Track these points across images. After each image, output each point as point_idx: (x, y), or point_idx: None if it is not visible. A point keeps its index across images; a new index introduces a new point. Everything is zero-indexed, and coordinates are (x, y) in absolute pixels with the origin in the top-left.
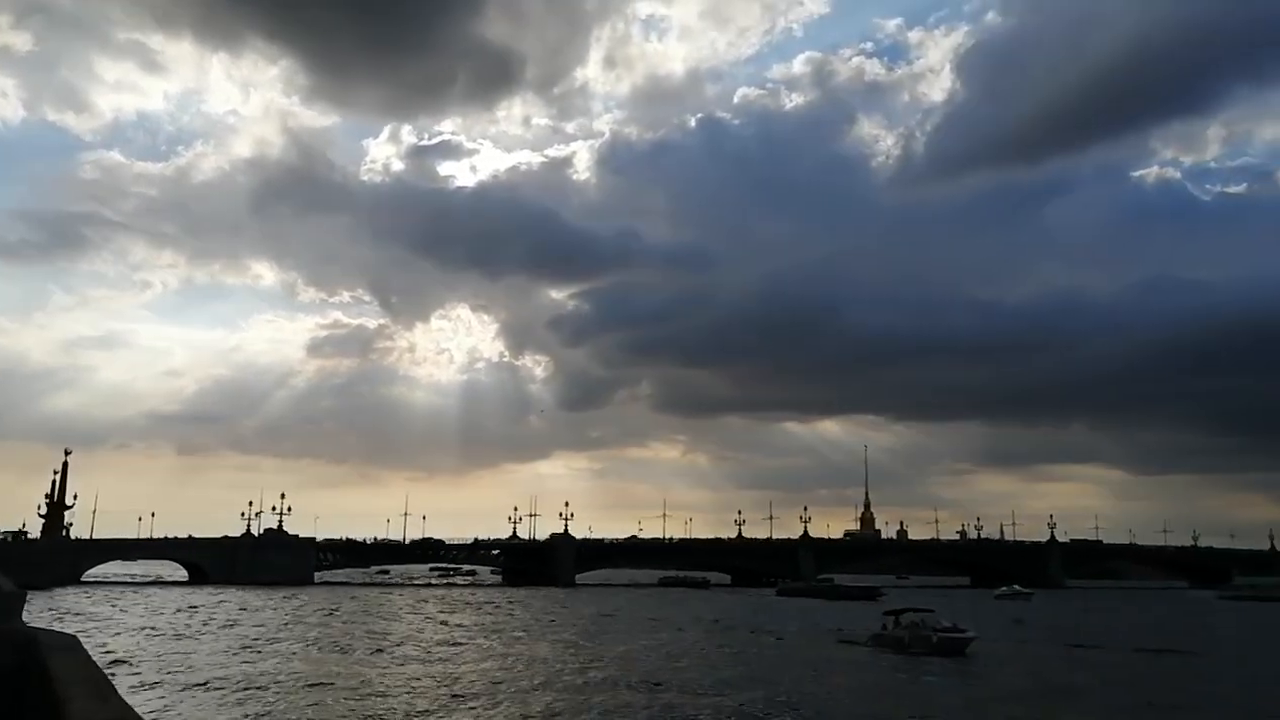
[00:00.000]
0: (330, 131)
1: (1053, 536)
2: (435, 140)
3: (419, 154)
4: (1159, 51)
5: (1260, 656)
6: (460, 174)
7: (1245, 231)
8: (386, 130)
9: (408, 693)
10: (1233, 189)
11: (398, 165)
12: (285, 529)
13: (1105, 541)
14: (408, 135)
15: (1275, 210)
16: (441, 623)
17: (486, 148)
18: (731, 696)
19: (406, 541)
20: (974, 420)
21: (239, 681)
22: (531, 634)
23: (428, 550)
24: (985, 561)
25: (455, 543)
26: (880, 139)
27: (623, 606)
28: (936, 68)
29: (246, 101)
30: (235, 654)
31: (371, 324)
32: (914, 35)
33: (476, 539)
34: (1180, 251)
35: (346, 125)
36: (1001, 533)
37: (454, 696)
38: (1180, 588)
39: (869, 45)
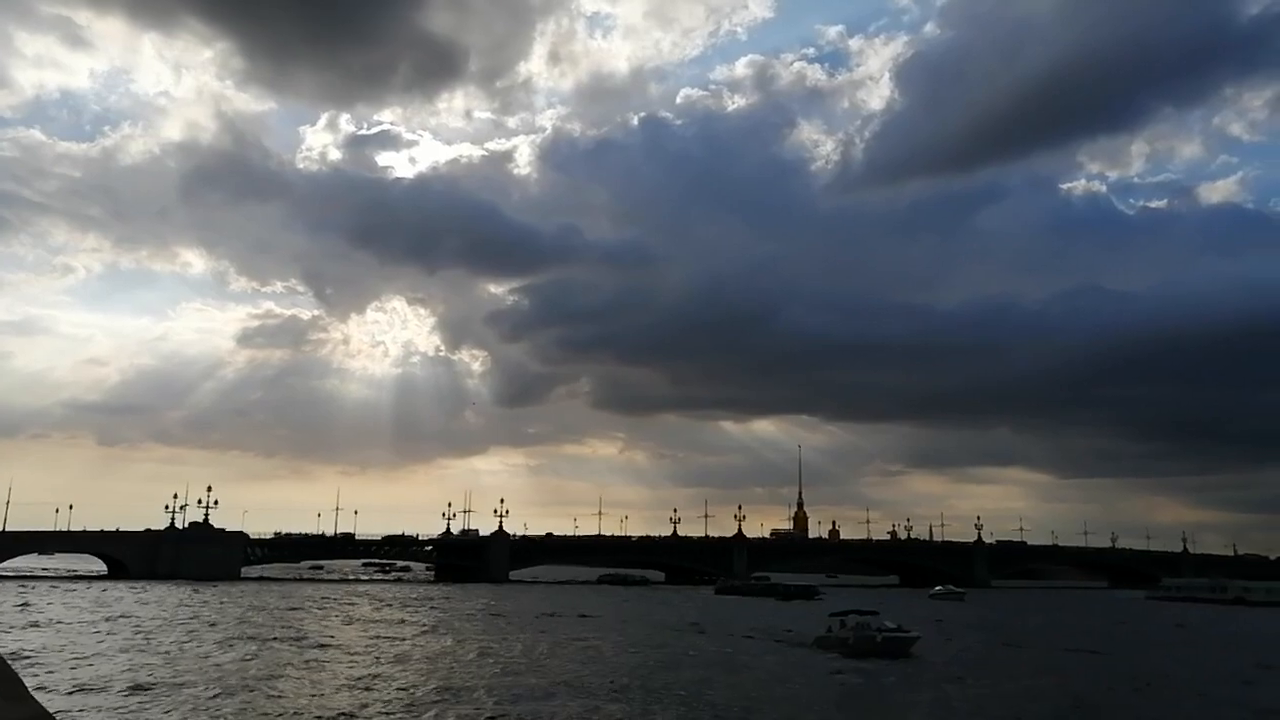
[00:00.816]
0: (266, 118)
1: (979, 538)
2: (374, 130)
3: (357, 143)
4: (1087, 69)
5: (1209, 657)
6: (399, 165)
7: (1165, 245)
8: (324, 118)
9: (313, 694)
10: (1154, 204)
11: (335, 154)
12: (211, 523)
13: (1029, 543)
14: (346, 124)
15: (1194, 225)
16: (360, 620)
17: (426, 139)
18: (691, 705)
19: (338, 536)
20: (906, 422)
21: (139, 681)
22: (454, 633)
23: (360, 546)
24: (914, 561)
25: (387, 538)
26: (820, 144)
27: (563, 604)
28: (876, 75)
29: (178, 83)
30: (139, 651)
31: (305, 315)
32: (855, 43)
33: (404, 534)
34: (1105, 262)
35: (283, 112)
36: (930, 533)
37: (353, 695)
38: (1100, 588)
39: (811, 51)
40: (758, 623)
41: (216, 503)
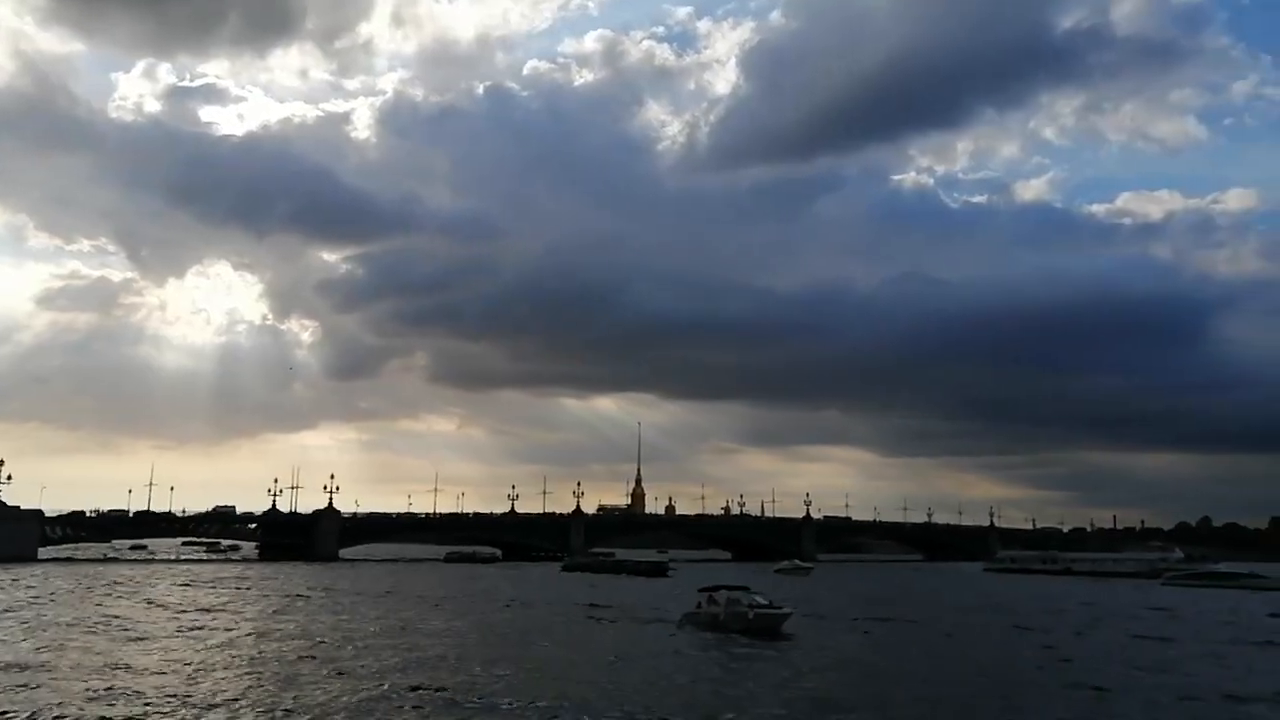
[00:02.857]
0: (72, 60)
1: (808, 514)
2: (198, 83)
3: (178, 95)
4: (919, 69)
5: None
6: (226, 121)
7: (984, 238)
8: (141, 66)
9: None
10: (975, 198)
11: (153, 105)
12: (3, 499)
13: (854, 518)
14: (166, 74)
15: (1009, 220)
16: (154, 602)
17: (257, 96)
18: (570, 687)
19: (151, 514)
20: (742, 401)
21: None
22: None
23: (176, 523)
24: (747, 536)
25: (206, 515)
26: (667, 124)
27: (399, 583)
28: (723, 59)
29: None
30: None
31: (116, 277)
32: (703, 25)
33: (217, 508)
34: (930, 252)
35: (92, 56)
36: (762, 509)
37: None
38: (916, 560)
39: (660, 30)
40: (614, 600)
41: (10, 477)
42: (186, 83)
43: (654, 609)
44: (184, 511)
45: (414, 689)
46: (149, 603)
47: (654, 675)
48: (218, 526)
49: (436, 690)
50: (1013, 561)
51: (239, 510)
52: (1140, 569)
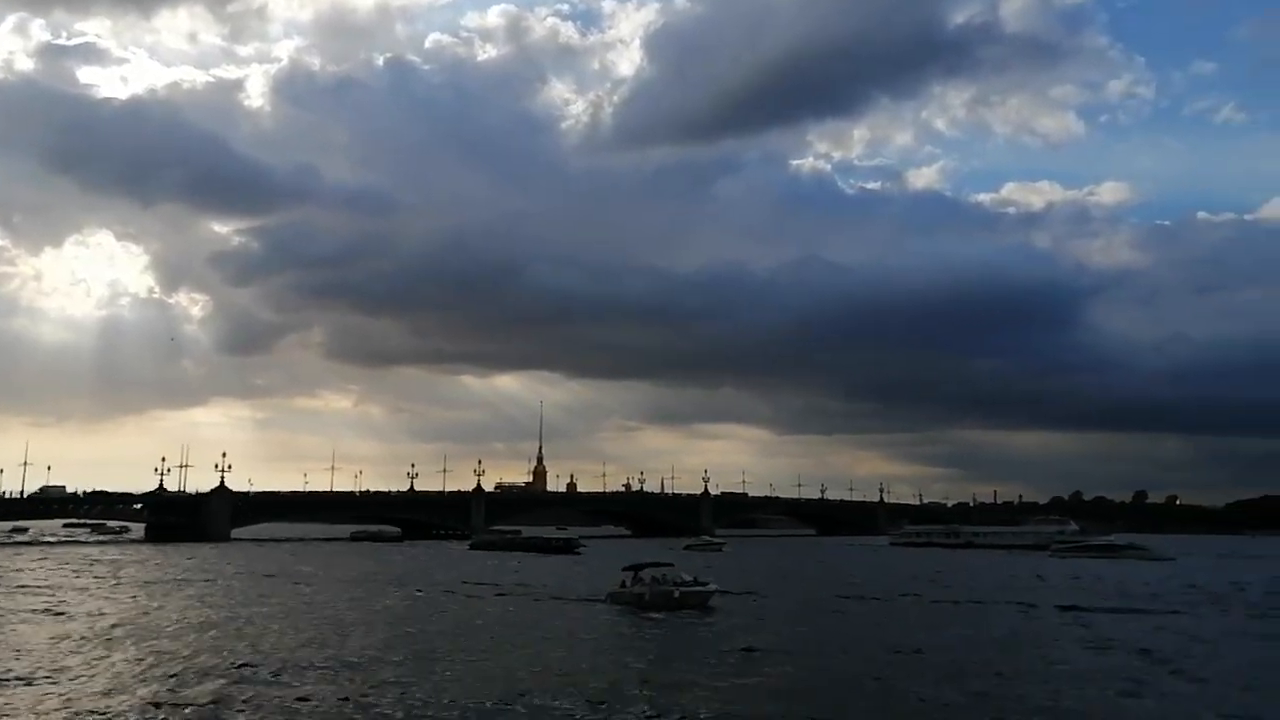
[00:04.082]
0: None
1: (706, 490)
2: (75, 41)
3: (54, 54)
4: (819, 57)
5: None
6: (107, 84)
7: (877, 223)
8: (11, 20)
9: None
10: (871, 185)
11: (25, 64)
12: None
13: (751, 495)
14: (40, 31)
15: (901, 207)
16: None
17: (141, 58)
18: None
19: (24, 495)
20: (643, 380)
21: None
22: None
23: (55, 504)
24: (647, 513)
25: (88, 495)
26: (571, 103)
27: (299, 563)
28: (627, 39)
29: None
30: None
31: None
32: (607, 4)
33: (96, 489)
34: (826, 236)
35: None
36: (662, 486)
37: None
38: (810, 535)
39: (564, 7)
40: (531, 579)
41: None
42: (63, 41)
43: (572, 588)
44: (64, 490)
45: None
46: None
47: (604, 655)
48: (100, 507)
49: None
50: (918, 536)
51: (123, 491)
52: (1040, 541)
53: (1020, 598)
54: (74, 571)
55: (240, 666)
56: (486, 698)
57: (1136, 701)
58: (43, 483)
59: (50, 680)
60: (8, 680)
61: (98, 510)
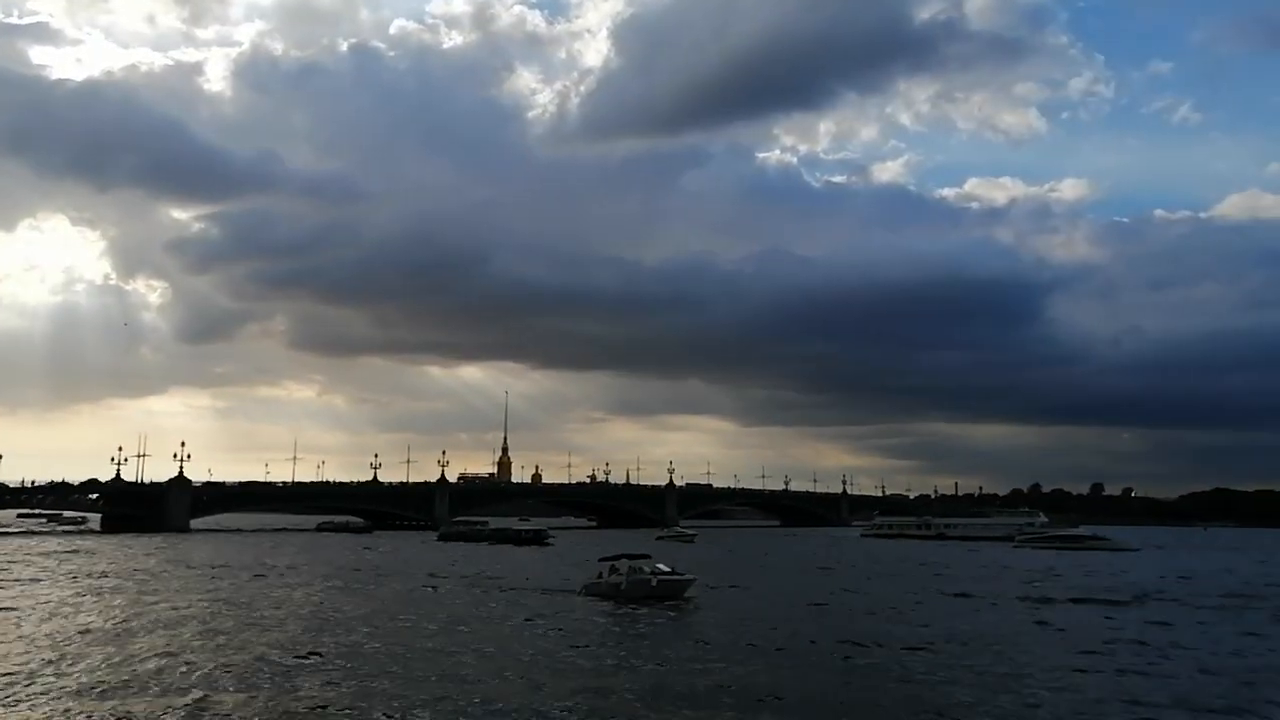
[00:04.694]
0: None
1: (671, 481)
2: (27, 20)
3: (4, 33)
4: (785, 50)
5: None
6: (61, 64)
7: (843, 216)
8: None
9: None
10: (836, 178)
11: None
12: None
13: (715, 485)
14: None
15: (866, 200)
16: None
17: (96, 39)
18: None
19: None
20: (608, 371)
21: None
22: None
23: (5, 494)
24: (612, 504)
25: (41, 486)
26: (537, 93)
27: (266, 555)
28: (594, 29)
29: None
30: None
31: None
32: None
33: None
34: (792, 229)
35: None
36: (628, 477)
37: None
38: (774, 525)
39: None
40: (505, 571)
41: None
42: (14, 20)
43: (545, 579)
44: (23, 483)
45: None
46: None
47: (598, 649)
48: (54, 497)
49: None
50: (889, 527)
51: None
52: (1010, 533)
53: (1016, 590)
54: (36, 567)
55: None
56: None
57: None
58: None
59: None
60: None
61: (51, 500)
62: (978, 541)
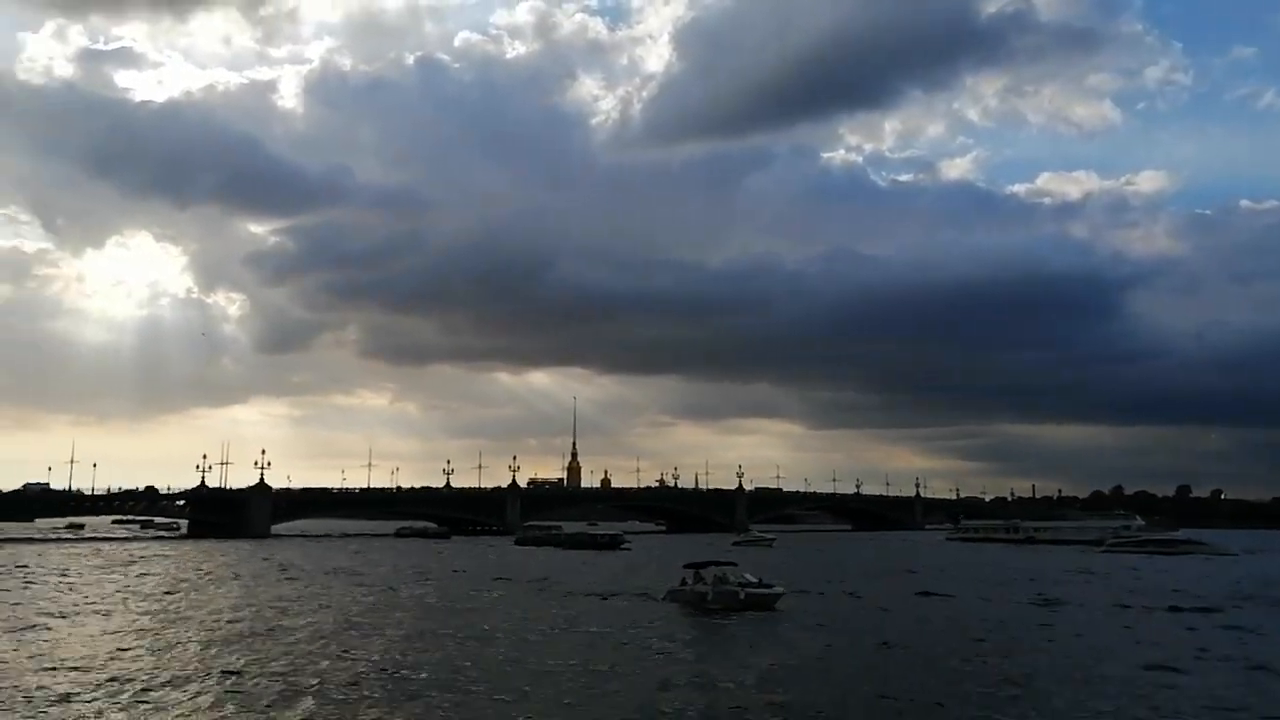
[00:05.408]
0: None
1: (740, 485)
2: (113, 46)
3: (92, 59)
4: (848, 49)
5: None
6: (144, 87)
7: (910, 215)
8: (50, 26)
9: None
10: (903, 177)
11: (65, 69)
12: None
13: (785, 489)
14: (78, 36)
15: (934, 198)
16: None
17: (176, 61)
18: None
19: (70, 492)
20: (675, 375)
21: None
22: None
23: (99, 501)
24: (681, 508)
25: (128, 493)
26: (600, 99)
27: (367, 561)
28: (656, 34)
29: None
30: None
31: (29, 247)
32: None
33: (145, 487)
34: (857, 228)
35: None
36: (696, 481)
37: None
38: (845, 530)
39: (593, 3)
40: (586, 576)
41: None
42: (100, 46)
43: (627, 584)
44: (109, 489)
45: None
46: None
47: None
48: (145, 504)
49: None
50: (975, 531)
51: (168, 487)
52: (1103, 536)
53: (1124, 599)
54: (197, 568)
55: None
56: None
57: None
58: (88, 481)
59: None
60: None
61: (142, 507)
62: (1069, 545)
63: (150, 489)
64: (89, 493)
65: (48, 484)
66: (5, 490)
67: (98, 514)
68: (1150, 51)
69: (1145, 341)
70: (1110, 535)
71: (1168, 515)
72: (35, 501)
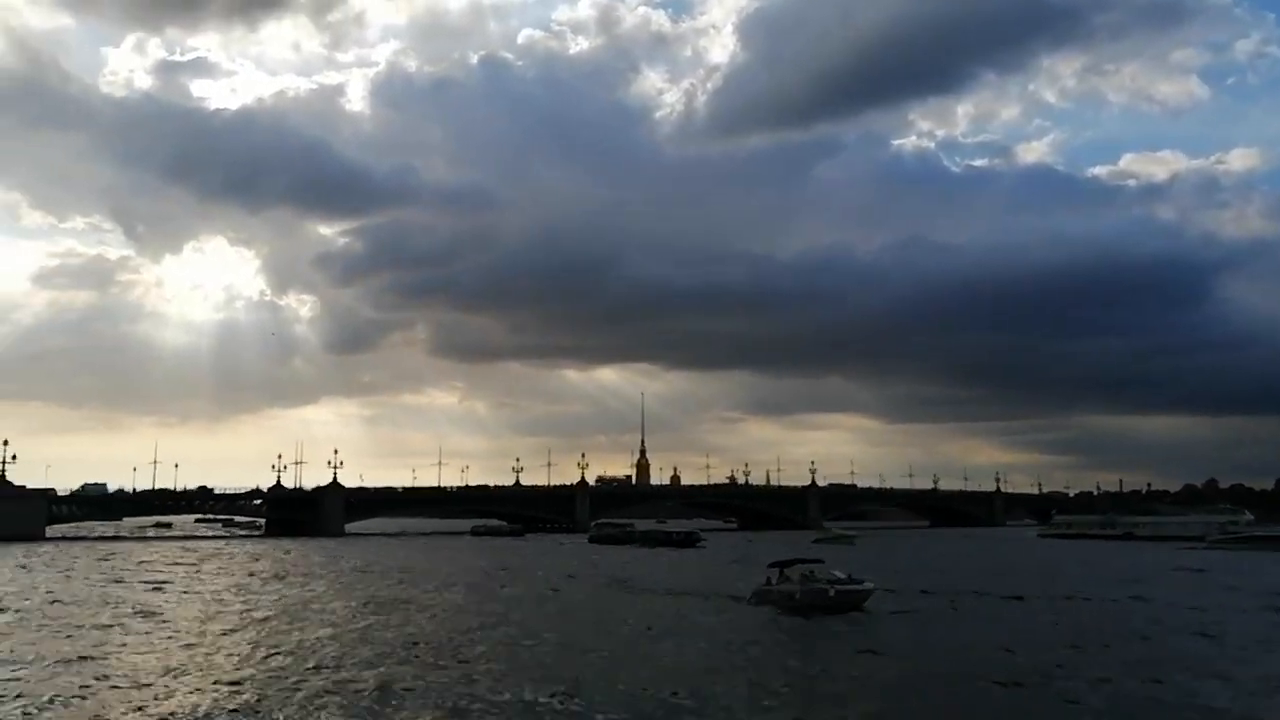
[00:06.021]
0: (61, 36)
1: (813, 481)
2: (188, 57)
3: (169, 70)
4: (918, 33)
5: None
6: (218, 96)
7: (986, 201)
8: (130, 41)
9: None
10: (977, 162)
11: (144, 80)
12: (9, 479)
13: (859, 485)
14: (156, 49)
15: (1011, 183)
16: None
17: (248, 69)
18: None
19: (156, 491)
20: (744, 370)
21: None
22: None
23: (182, 500)
24: (753, 505)
25: (210, 491)
26: (664, 92)
27: (420, 560)
28: (719, 25)
29: None
30: None
31: (113, 254)
32: None
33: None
34: (931, 216)
35: (81, 31)
36: (767, 478)
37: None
38: (923, 526)
39: None
40: (670, 575)
41: (15, 457)
42: (177, 57)
43: (709, 584)
44: (188, 488)
45: None
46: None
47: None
48: (225, 503)
49: None
50: (1069, 526)
51: (245, 486)
52: (1208, 532)
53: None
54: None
55: None
56: None
57: None
58: (170, 480)
59: None
60: None
61: (223, 505)
62: (1171, 541)
63: (231, 492)
64: (173, 490)
65: (105, 484)
66: (60, 491)
67: (179, 513)
68: (1240, 24)
69: (1237, 328)
70: (1215, 530)
71: (1267, 509)
72: (125, 502)
